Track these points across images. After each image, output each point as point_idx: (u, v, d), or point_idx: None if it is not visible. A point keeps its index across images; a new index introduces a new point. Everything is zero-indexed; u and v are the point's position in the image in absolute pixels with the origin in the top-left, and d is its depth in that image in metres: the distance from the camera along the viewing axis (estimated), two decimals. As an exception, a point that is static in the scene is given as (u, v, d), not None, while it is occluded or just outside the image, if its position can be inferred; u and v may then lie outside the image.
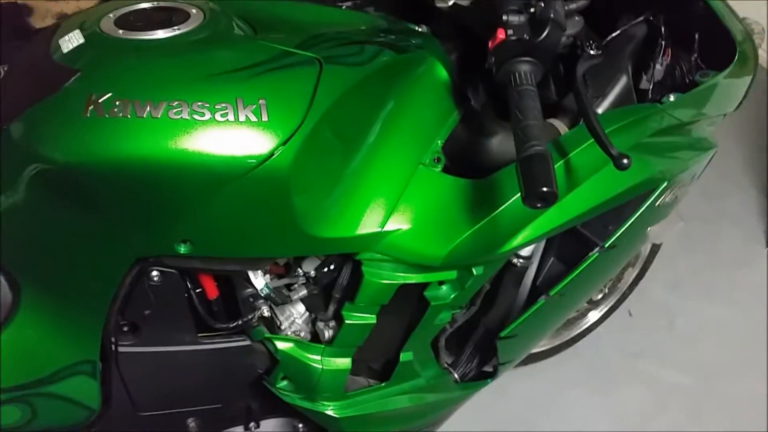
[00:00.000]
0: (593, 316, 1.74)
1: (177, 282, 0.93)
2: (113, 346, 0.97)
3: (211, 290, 0.97)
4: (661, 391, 1.74)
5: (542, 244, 1.18)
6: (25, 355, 0.96)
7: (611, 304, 1.75)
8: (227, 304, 1.01)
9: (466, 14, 1.01)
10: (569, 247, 1.16)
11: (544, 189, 0.73)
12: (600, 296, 1.66)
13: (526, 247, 1.08)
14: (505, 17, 0.86)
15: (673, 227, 1.32)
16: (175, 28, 0.87)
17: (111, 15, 0.89)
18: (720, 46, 1.14)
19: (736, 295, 2.03)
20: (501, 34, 0.85)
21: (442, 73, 1.02)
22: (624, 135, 1.01)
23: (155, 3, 0.93)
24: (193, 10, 0.91)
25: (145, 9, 0.92)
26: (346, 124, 0.92)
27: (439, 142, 1.01)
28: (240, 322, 0.99)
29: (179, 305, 0.96)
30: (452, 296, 1.05)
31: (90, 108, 0.77)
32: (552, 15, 0.84)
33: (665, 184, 1.12)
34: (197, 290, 0.97)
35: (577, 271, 1.13)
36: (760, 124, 2.67)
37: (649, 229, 1.22)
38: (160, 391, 1.05)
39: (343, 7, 1.22)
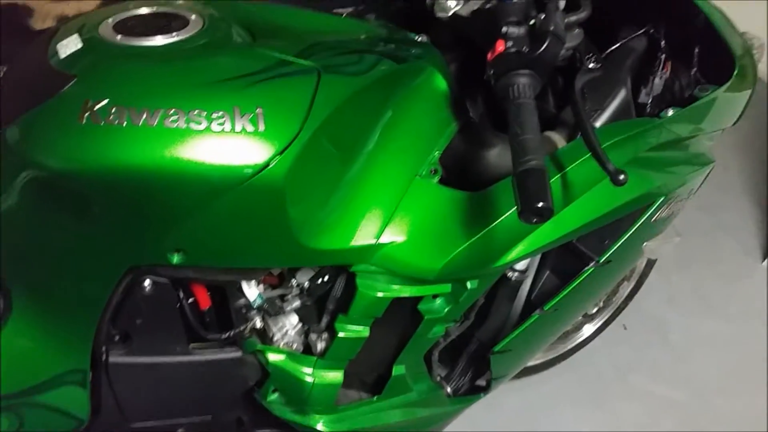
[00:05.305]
0: (588, 329, 1.73)
1: (169, 292, 0.92)
2: (104, 356, 0.96)
3: (204, 300, 0.96)
4: (654, 407, 1.73)
5: (538, 257, 1.17)
6: (14, 364, 0.94)
7: (606, 317, 1.75)
8: (219, 315, 1.00)
9: (466, 25, 1.01)
10: (565, 262, 1.15)
11: (540, 204, 0.72)
12: (595, 310, 1.65)
13: (522, 261, 1.07)
14: (504, 29, 0.85)
15: (669, 242, 1.31)
16: (174, 34, 0.86)
17: (110, 20, 0.88)
18: (719, 61, 1.14)
19: (731, 309, 2.02)
20: (500, 46, 0.85)
21: (441, 83, 1.01)
22: (621, 149, 1.00)
23: (155, 8, 0.92)
24: (193, 16, 0.90)
25: (144, 14, 0.91)
26: (344, 134, 0.91)
27: (437, 153, 1.00)
28: (232, 333, 0.98)
29: (171, 315, 0.95)
30: (446, 310, 1.04)
31: (86, 114, 0.77)
32: (551, 28, 0.84)
33: (662, 199, 1.12)
34: (189, 300, 0.96)
35: (572, 286, 1.13)
36: (757, 137, 2.68)
37: (644, 244, 1.22)
38: (150, 401, 1.04)
39: (344, 15, 1.22)
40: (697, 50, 1.13)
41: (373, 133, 0.94)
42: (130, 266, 0.87)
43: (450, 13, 1.02)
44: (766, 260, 2.18)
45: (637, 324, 1.92)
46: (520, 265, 1.13)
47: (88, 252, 0.86)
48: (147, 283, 0.90)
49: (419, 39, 1.09)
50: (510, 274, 1.13)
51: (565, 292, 1.13)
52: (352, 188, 0.92)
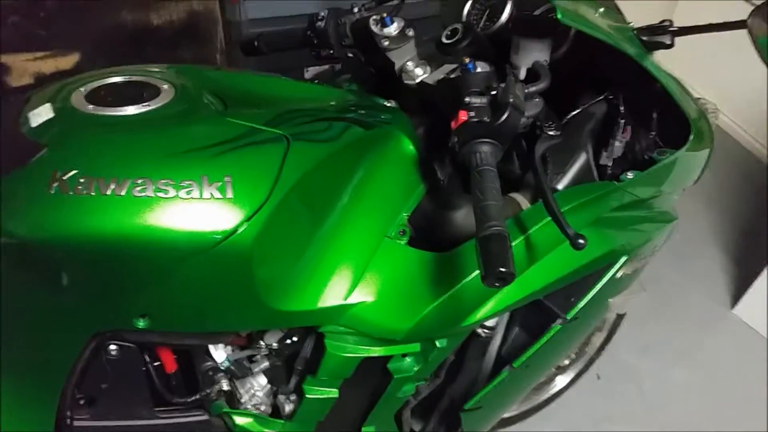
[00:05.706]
0: (561, 380, 1.74)
1: (135, 355, 0.92)
2: (68, 420, 0.94)
3: (170, 363, 0.96)
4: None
5: (507, 314, 1.18)
6: None
7: (579, 368, 1.76)
8: (186, 377, 0.99)
9: (433, 92, 1.04)
10: (533, 319, 1.16)
11: (502, 269, 0.73)
12: (567, 362, 1.66)
13: (490, 319, 1.08)
14: (467, 99, 0.88)
15: (635, 297, 1.34)
16: (145, 104, 0.88)
17: (82, 89, 0.90)
18: (677, 124, 1.18)
19: (703, 357, 2.05)
20: (463, 116, 0.87)
21: (409, 147, 1.04)
22: (583, 212, 1.03)
23: (127, 77, 0.94)
24: (165, 86, 0.92)
25: (117, 83, 0.93)
26: (313, 199, 0.92)
27: (405, 214, 1.02)
28: (198, 396, 0.97)
29: (136, 379, 0.95)
30: (416, 369, 1.04)
31: (54, 185, 0.77)
32: (511, 99, 0.87)
33: (626, 257, 1.14)
34: (155, 363, 0.96)
35: (541, 343, 1.14)
36: (723, 187, 2.75)
37: (610, 299, 1.24)
38: (116, 465, 1.02)
39: (318, 73, 1.25)
40: (655, 115, 1.17)
41: (343, 196, 0.96)
42: (96, 331, 0.87)
43: (417, 81, 1.06)
44: (735, 308, 2.22)
45: (611, 373, 1.93)
46: (490, 322, 1.14)
47: (54, 317, 0.86)
48: (113, 347, 0.90)
49: (388, 104, 1.13)
50: (479, 330, 1.14)
51: (533, 349, 1.14)
52: (320, 250, 0.93)
